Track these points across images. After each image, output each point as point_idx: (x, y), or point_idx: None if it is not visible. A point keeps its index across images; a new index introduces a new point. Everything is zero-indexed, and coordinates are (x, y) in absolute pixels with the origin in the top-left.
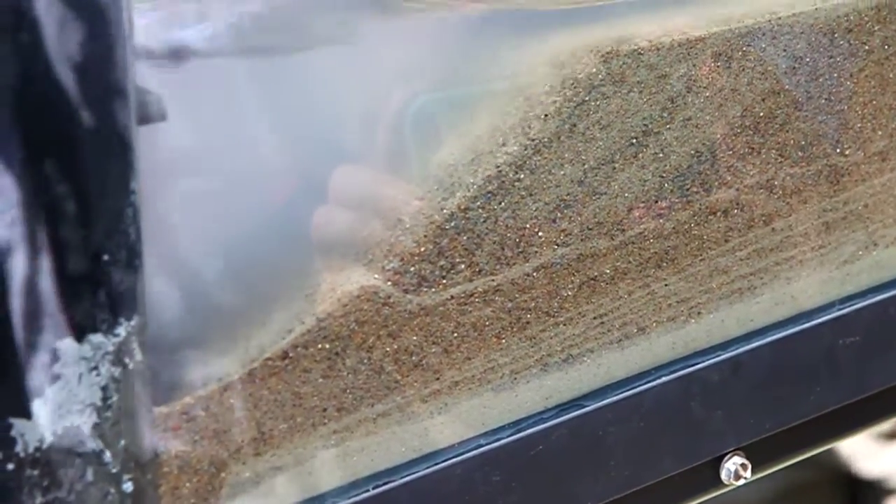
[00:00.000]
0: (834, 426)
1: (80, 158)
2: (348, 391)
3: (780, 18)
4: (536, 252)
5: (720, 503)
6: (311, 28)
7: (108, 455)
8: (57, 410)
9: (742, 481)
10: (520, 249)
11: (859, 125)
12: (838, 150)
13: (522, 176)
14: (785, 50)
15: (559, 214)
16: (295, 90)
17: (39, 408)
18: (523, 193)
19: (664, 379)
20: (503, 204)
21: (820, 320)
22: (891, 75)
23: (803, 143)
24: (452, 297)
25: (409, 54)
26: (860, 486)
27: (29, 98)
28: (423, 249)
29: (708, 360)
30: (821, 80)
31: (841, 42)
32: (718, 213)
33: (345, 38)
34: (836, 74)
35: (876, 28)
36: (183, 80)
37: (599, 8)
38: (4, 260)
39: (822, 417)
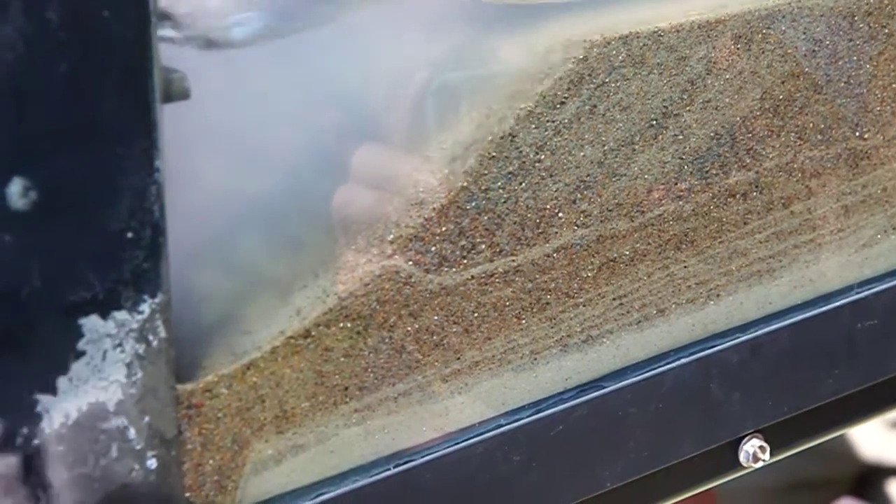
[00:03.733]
0: (852, 409)
1: (104, 136)
2: (370, 370)
3: (800, 1)
4: (556, 233)
5: (734, 491)
6: (324, 9)
7: (132, 432)
8: (82, 387)
9: (760, 464)
10: (540, 230)
11: (879, 108)
12: (858, 134)
13: (543, 157)
14: (805, 32)
15: (579, 195)
16: (313, 69)
17: (64, 384)
18: (543, 174)
19: (683, 361)
20: (523, 185)
21: (838, 303)
22: None
23: (823, 126)
24: (473, 277)
25: (428, 34)
26: (869, 474)
27: (53, 74)
28: (444, 229)
29: (727, 342)
30: (840, 62)
31: (861, 25)
32: (738, 196)
33: (362, 16)
34: (855, 57)
35: None
36: (206, 57)
37: None
38: (28, 238)
39: (841, 400)
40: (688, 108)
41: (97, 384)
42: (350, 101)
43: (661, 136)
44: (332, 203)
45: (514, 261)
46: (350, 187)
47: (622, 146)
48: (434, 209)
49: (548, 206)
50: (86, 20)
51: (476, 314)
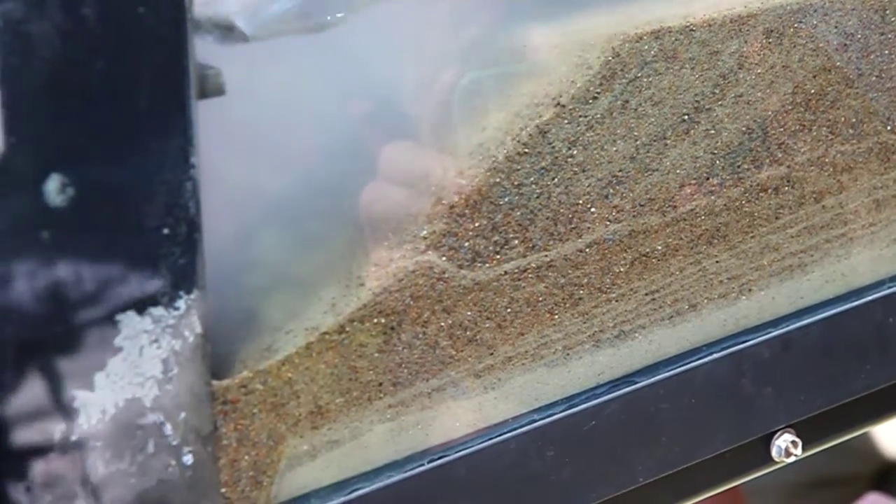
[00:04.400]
0: (884, 404)
1: (140, 132)
2: (403, 366)
3: None
4: (589, 228)
5: (757, 488)
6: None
7: (168, 427)
8: (119, 382)
9: (792, 458)
10: (572, 225)
11: None
12: (889, 128)
13: (575, 152)
14: (836, 27)
15: (611, 190)
16: (341, 66)
17: (102, 380)
18: (576, 169)
19: (715, 356)
20: (556, 180)
21: (870, 298)
22: None
23: (854, 120)
24: (506, 272)
25: (458, 27)
26: (891, 470)
27: (90, 71)
28: (477, 225)
29: (759, 337)
30: (872, 57)
31: (892, 19)
32: (769, 190)
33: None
34: (887, 51)
35: None
36: (237, 54)
37: None
38: (65, 234)
39: (872, 395)
40: (719, 103)
41: (134, 380)
42: (380, 96)
43: (692, 131)
44: (360, 199)
45: (546, 256)
46: (378, 184)
47: (654, 141)
48: (467, 205)
49: (580, 202)
50: (122, 17)
51: (509, 310)
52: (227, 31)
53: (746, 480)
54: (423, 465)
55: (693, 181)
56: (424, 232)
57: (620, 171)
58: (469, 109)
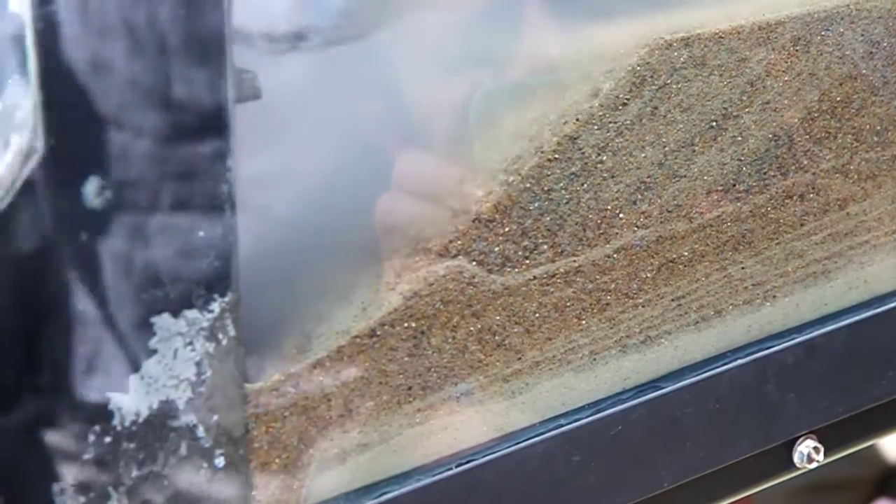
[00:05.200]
0: None
1: (178, 135)
2: (433, 370)
3: (858, 3)
4: (617, 234)
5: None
6: (373, 16)
7: (201, 430)
8: (153, 385)
9: (815, 464)
10: (601, 231)
11: None
12: None
13: (605, 158)
14: (863, 35)
15: (639, 196)
16: (367, 75)
17: (136, 382)
18: (605, 175)
19: (740, 361)
20: (585, 185)
21: (893, 304)
22: None
23: (879, 127)
24: (535, 277)
25: (485, 37)
26: (894, 475)
27: (129, 74)
28: (507, 230)
29: (783, 343)
30: None
31: None
32: (795, 197)
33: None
34: None
35: None
36: (273, 61)
37: None
38: (103, 236)
39: (894, 401)
40: (747, 110)
41: (168, 382)
42: (409, 103)
43: (720, 138)
44: (376, 210)
45: (575, 261)
46: (394, 194)
47: (682, 147)
48: (497, 210)
49: (609, 207)
50: (162, 20)
51: (537, 315)
52: (268, 41)
53: (768, 487)
54: (451, 468)
55: (720, 188)
56: (452, 237)
57: (649, 177)
58: (499, 117)
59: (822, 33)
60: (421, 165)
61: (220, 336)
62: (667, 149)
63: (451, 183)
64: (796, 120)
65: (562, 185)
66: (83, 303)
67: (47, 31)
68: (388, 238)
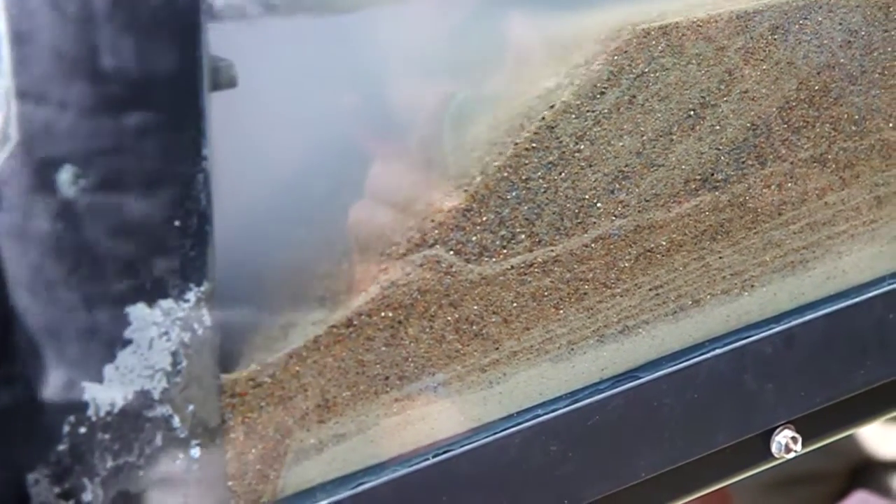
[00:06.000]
0: (883, 400)
1: (153, 124)
2: (410, 360)
3: None
4: (595, 223)
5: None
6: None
7: (176, 420)
8: (128, 375)
9: (792, 454)
10: (578, 220)
11: None
12: (892, 125)
13: (582, 147)
14: (841, 23)
15: (617, 185)
16: (342, 65)
17: (111, 372)
18: (583, 164)
19: (718, 351)
20: (563, 174)
21: (871, 294)
22: None
23: (857, 117)
24: (513, 266)
25: (460, 29)
26: (867, 468)
27: (102, 62)
28: (484, 219)
29: (761, 332)
30: (875, 54)
31: None
32: (772, 187)
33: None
34: (890, 48)
35: None
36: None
37: None
38: (78, 225)
39: (872, 392)
40: (725, 99)
41: (143, 373)
42: (384, 91)
43: (698, 127)
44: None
45: (552, 251)
46: (366, 203)
47: (660, 136)
48: (474, 199)
49: (586, 196)
50: (136, 7)
51: (515, 304)
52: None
53: (746, 477)
54: (428, 459)
55: (698, 177)
56: (430, 225)
57: (626, 166)
58: (476, 107)
59: (800, 22)
60: (394, 176)
61: (196, 326)
62: (644, 138)
63: (424, 192)
64: (774, 109)
65: (539, 174)
66: (57, 292)
67: (21, 18)
68: (362, 243)
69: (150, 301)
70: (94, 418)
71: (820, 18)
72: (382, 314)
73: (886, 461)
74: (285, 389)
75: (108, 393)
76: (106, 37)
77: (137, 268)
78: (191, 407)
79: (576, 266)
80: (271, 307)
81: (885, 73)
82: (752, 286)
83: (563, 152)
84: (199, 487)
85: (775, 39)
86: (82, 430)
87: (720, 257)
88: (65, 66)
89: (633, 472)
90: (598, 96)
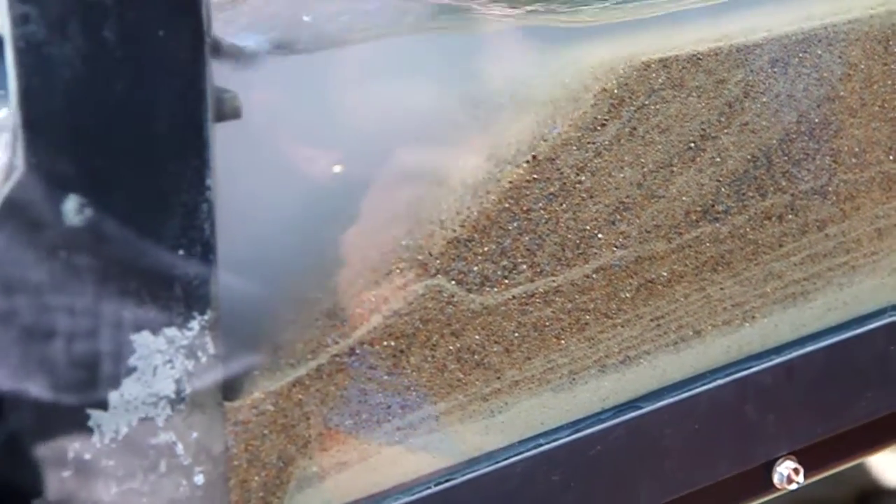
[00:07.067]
0: (885, 432)
1: (157, 154)
2: (412, 388)
3: (836, 25)
4: (596, 254)
5: None
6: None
7: (180, 447)
8: (132, 402)
9: (794, 486)
10: (580, 251)
11: None
12: (892, 157)
13: (583, 178)
14: (840, 57)
15: (618, 217)
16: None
17: (116, 399)
18: (584, 195)
19: (719, 382)
20: (564, 205)
21: (872, 326)
22: None
23: (857, 149)
24: (514, 297)
25: (467, 60)
26: (871, 496)
27: (109, 92)
28: (486, 249)
29: (762, 363)
30: (875, 87)
31: (895, 49)
32: (773, 218)
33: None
34: (889, 82)
35: None
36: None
37: (660, 16)
38: (83, 254)
39: (874, 423)
40: (725, 131)
41: (147, 400)
42: (394, 118)
43: (698, 159)
44: (363, 231)
45: (554, 281)
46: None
47: (661, 168)
48: (476, 230)
49: (588, 227)
50: (142, 40)
51: (517, 334)
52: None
53: None
54: (430, 487)
55: (698, 208)
56: (432, 255)
57: (627, 197)
58: (480, 136)
59: (800, 55)
60: (392, 201)
61: (200, 354)
62: (645, 169)
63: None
64: (775, 141)
65: (541, 205)
66: (62, 320)
67: (28, 51)
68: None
69: (155, 329)
70: (98, 445)
71: (820, 52)
72: (385, 343)
73: (893, 489)
74: (288, 417)
75: (112, 419)
76: (112, 68)
77: (142, 296)
78: (194, 434)
79: (577, 296)
80: (274, 335)
81: (885, 105)
82: (754, 317)
83: (565, 183)
84: None
85: (775, 72)
86: (87, 456)
87: (721, 288)
88: (71, 96)
89: (635, 502)
90: (599, 128)
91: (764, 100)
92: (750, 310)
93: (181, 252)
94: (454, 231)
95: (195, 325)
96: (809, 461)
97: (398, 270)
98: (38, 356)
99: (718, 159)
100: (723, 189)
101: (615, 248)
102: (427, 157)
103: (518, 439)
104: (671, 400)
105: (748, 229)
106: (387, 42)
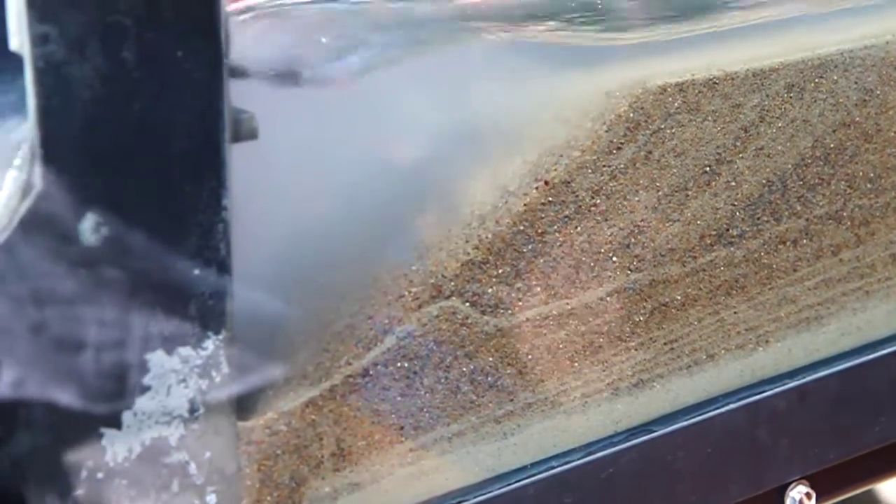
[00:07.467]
0: None
1: (174, 174)
2: (425, 410)
3: (852, 51)
4: (610, 277)
5: None
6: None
7: (193, 467)
8: (146, 421)
9: None
10: (594, 274)
11: None
12: None
13: (598, 201)
14: (856, 82)
15: (633, 240)
16: (366, 114)
17: (129, 418)
18: (599, 218)
19: (732, 406)
20: (579, 228)
21: (886, 351)
22: None
23: (872, 175)
24: (528, 319)
25: (485, 81)
26: None
27: (127, 112)
28: (500, 271)
29: (775, 388)
30: (891, 112)
31: None
32: (788, 243)
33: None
34: None
35: None
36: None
37: (676, 40)
38: (98, 273)
39: (887, 448)
40: (741, 155)
41: (161, 419)
42: (410, 139)
43: (713, 183)
44: (394, 245)
45: (568, 304)
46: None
47: (676, 192)
48: (491, 252)
49: (602, 250)
50: (160, 61)
51: (530, 356)
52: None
53: None
54: None
55: (713, 232)
56: (447, 277)
57: (642, 220)
58: (494, 159)
59: (816, 80)
60: (406, 223)
61: (214, 373)
62: (660, 193)
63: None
64: (790, 166)
65: (555, 227)
66: (76, 338)
67: (47, 71)
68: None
69: (169, 348)
70: (111, 464)
71: (836, 77)
72: (398, 364)
73: None
74: (301, 438)
75: (125, 439)
76: (130, 89)
77: (157, 315)
78: (207, 454)
79: (591, 319)
80: (288, 355)
81: None
82: (767, 341)
83: (580, 206)
84: None
85: (791, 97)
86: (100, 475)
87: (735, 312)
88: (89, 116)
89: None
90: (615, 151)
91: (779, 124)
92: (763, 334)
93: (197, 272)
94: (468, 253)
95: (210, 344)
96: (822, 486)
97: (412, 292)
98: (53, 374)
99: (734, 183)
100: (737, 213)
101: (629, 272)
102: (441, 179)
103: (530, 461)
104: (684, 423)
105: (762, 253)
106: (401, 64)
